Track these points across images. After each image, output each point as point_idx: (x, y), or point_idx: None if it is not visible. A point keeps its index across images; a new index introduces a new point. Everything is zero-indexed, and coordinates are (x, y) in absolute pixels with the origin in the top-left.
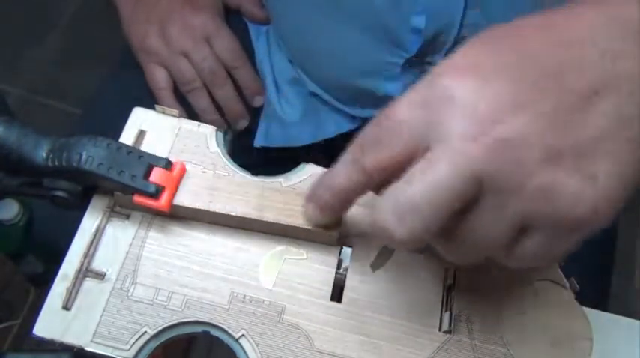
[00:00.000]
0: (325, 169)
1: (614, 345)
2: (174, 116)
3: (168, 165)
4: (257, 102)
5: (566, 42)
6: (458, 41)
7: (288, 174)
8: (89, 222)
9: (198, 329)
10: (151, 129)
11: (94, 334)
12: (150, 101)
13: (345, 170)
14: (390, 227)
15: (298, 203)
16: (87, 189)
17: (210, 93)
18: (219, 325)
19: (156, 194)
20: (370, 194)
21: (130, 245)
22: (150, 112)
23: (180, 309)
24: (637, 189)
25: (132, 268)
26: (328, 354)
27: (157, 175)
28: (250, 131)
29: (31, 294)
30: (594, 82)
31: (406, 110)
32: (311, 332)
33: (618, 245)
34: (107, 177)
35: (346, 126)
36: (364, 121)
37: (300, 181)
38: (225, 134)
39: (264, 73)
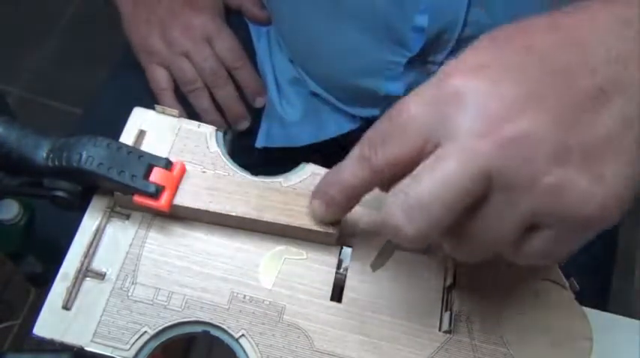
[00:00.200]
0: (326, 169)
1: (614, 345)
2: (174, 116)
3: (168, 165)
4: (258, 103)
5: (575, 42)
6: (461, 40)
7: (288, 174)
8: (89, 222)
9: (198, 329)
10: (151, 129)
11: (94, 334)
12: (150, 101)
13: (353, 166)
14: (398, 224)
15: (298, 203)
16: (87, 189)
17: (211, 94)
18: (219, 325)
19: (156, 194)
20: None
21: (130, 245)
22: (150, 112)
23: (180, 309)
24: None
25: (132, 268)
26: (328, 354)
27: (157, 175)
28: (251, 131)
29: (31, 294)
30: (603, 82)
31: (416, 107)
32: (311, 332)
33: (618, 245)
34: (107, 177)
35: (347, 126)
36: (365, 121)
37: (300, 181)
38: (225, 134)
39: (265, 73)
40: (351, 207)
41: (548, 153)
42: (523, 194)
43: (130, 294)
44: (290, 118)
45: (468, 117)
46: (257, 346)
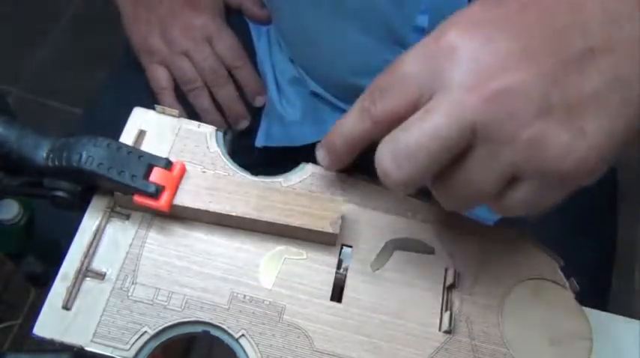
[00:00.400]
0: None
1: (614, 345)
2: (174, 116)
3: (168, 165)
4: (258, 102)
5: (571, 1)
6: None
7: (288, 174)
8: (89, 222)
9: (198, 329)
10: (151, 129)
11: (94, 334)
12: (150, 101)
13: (354, 117)
14: (387, 169)
15: (298, 203)
16: (87, 189)
17: (211, 93)
18: (219, 325)
19: (156, 194)
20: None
21: (130, 245)
22: (150, 112)
23: (180, 309)
24: (637, 189)
25: (132, 268)
26: (328, 354)
27: (156, 175)
28: (251, 131)
29: (31, 294)
30: (595, 43)
31: (412, 61)
32: (311, 332)
33: (618, 245)
34: (107, 177)
35: None
36: None
37: (300, 181)
38: (225, 134)
39: (265, 73)
40: (352, 158)
41: (531, 107)
42: (505, 146)
43: (130, 294)
44: (290, 118)
45: (460, 70)
46: (257, 346)
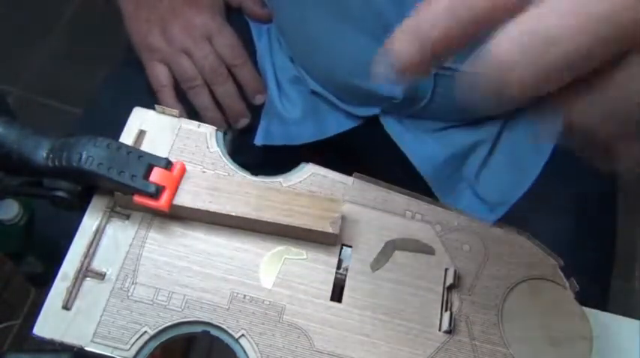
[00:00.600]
0: (326, 169)
1: (614, 345)
2: (174, 116)
3: (168, 165)
4: (258, 100)
5: None
6: None
7: (288, 174)
8: (89, 222)
9: (198, 329)
10: (151, 129)
11: (94, 334)
12: (150, 101)
13: None
14: (510, 60)
15: (298, 203)
16: (87, 189)
17: (211, 92)
18: (219, 325)
19: (156, 194)
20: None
21: (130, 245)
22: (150, 112)
23: (180, 309)
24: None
25: (132, 268)
26: (328, 354)
27: (156, 175)
28: (251, 129)
29: (31, 294)
30: None
31: None
32: (311, 332)
33: (618, 245)
34: (107, 177)
35: (347, 124)
36: (365, 120)
37: (300, 181)
38: (225, 134)
39: (266, 71)
40: (446, 52)
41: None
42: None
43: (130, 294)
44: (290, 116)
45: None
46: (257, 346)
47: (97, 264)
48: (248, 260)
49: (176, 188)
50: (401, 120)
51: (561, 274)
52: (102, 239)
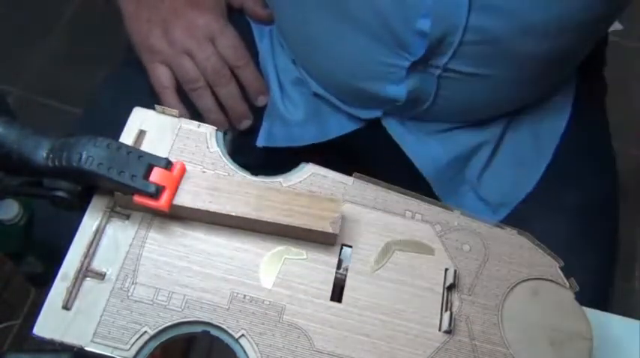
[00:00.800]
0: (327, 169)
1: (614, 345)
2: (174, 116)
3: (168, 165)
4: (261, 101)
5: None
6: (463, 43)
7: (288, 174)
8: (89, 222)
9: (198, 329)
10: (151, 129)
11: (94, 334)
12: (150, 101)
13: None
14: None
15: (298, 203)
16: (87, 189)
17: (213, 93)
18: (219, 325)
19: (156, 194)
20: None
21: (130, 245)
22: (150, 112)
23: (180, 309)
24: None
25: (132, 268)
26: (328, 354)
27: (156, 175)
28: (252, 131)
29: (31, 294)
30: None
31: None
32: (311, 332)
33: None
34: (107, 177)
35: (349, 127)
36: (367, 122)
37: (300, 181)
38: (225, 134)
39: (268, 73)
40: None
41: None
42: None
43: (130, 294)
44: (292, 118)
45: None
46: (257, 346)
47: (97, 264)
48: (248, 260)
49: (176, 188)
50: (403, 122)
51: (561, 274)
52: (102, 239)
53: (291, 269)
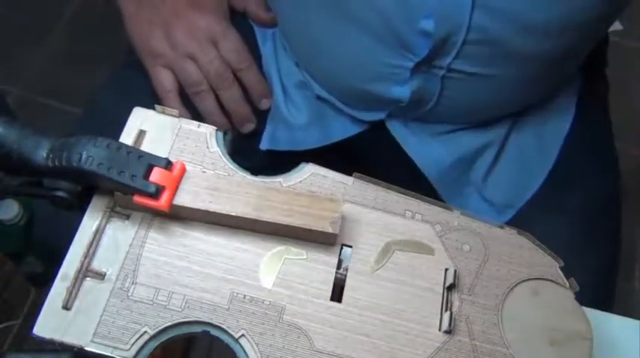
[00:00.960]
0: (327, 169)
1: (614, 345)
2: (174, 116)
3: (168, 165)
4: (264, 104)
5: None
6: (466, 43)
7: (288, 174)
8: (89, 222)
9: (198, 329)
10: (151, 129)
11: (94, 334)
12: (151, 101)
13: None
14: None
15: (298, 203)
16: (87, 189)
17: (216, 96)
18: (219, 325)
19: (156, 194)
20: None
21: (130, 245)
22: (150, 112)
23: (180, 309)
24: (637, 189)
25: (132, 268)
26: (328, 354)
27: (156, 175)
28: (256, 134)
29: (31, 294)
30: None
31: None
32: (311, 332)
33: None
34: (107, 177)
35: (353, 129)
36: (371, 125)
37: (300, 181)
38: (225, 134)
39: (271, 77)
40: None
41: None
42: None
43: (130, 294)
44: (296, 122)
45: None
46: (257, 346)
47: (97, 264)
48: (248, 260)
49: (176, 188)
50: (407, 124)
51: (561, 274)
52: (102, 239)
53: (291, 270)
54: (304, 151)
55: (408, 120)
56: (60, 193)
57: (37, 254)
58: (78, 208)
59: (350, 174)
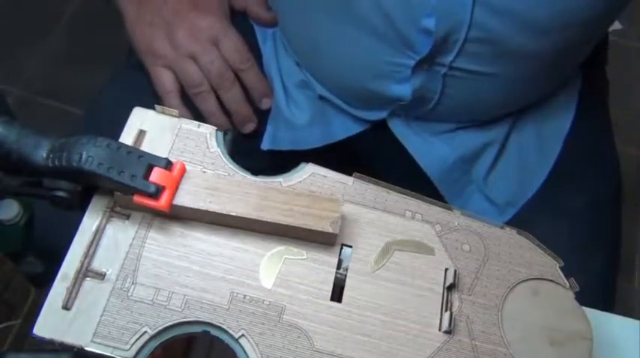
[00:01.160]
0: (327, 169)
1: (614, 345)
2: (174, 116)
3: (168, 165)
4: (265, 104)
5: None
6: (468, 41)
7: (288, 174)
8: (89, 222)
9: (198, 329)
10: (151, 129)
11: (94, 334)
12: (151, 102)
13: None
14: None
15: (298, 203)
16: (87, 189)
17: (217, 97)
18: (219, 325)
19: (156, 194)
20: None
21: (130, 245)
22: (150, 112)
23: (180, 309)
24: (637, 189)
25: (132, 268)
26: (328, 354)
27: (156, 175)
28: (257, 134)
29: (31, 294)
30: None
31: None
32: (311, 332)
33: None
34: (107, 177)
35: (355, 129)
36: (373, 124)
37: (300, 181)
38: (225, 134)
39: (272, 77)
40: None
41: None
42: None
43: (130, 294)
44: (297, 121)
45: None
46: (257, 346)
47: (97, 264)
48: (248, 260)
49: (176, 188)
50: (409, 123)
51: (561, 274)
52: (102, 239)
53: (291, 269)
54: (306, 151)
55: (410, 119)
56: (60, 193)
57: (37, 254)
58: (78, 208)
59: (350, 174)
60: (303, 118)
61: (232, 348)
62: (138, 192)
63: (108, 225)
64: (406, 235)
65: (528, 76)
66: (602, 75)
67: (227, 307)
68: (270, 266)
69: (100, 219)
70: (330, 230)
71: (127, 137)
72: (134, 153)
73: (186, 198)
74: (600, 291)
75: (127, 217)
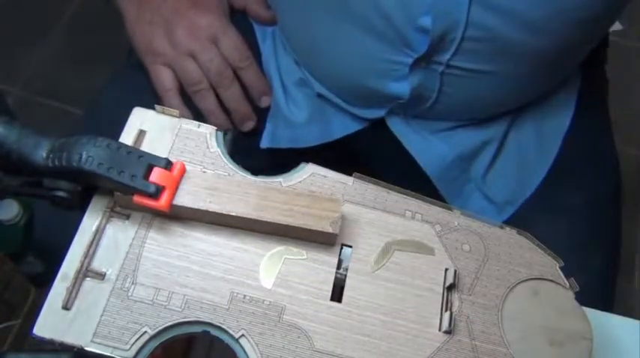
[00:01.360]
0: (327, 169)
1: (614, 345)
2: (174, 116)
3: (168, 165)
4: (264, 102)
5: None
6: (465, 39)
7: (288, 174)
8: (89, 222)
9: (198, 329)
10: (151, 129)
11: (94, 334)
12: (151, 101)
13: None
14: None
15: (298, 203)
16: (87, 189)
17: (216, 95)
18: (219, 325)
19: (156, 194)
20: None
21: (130, 245)
22: (150, 112)
23: (180, 309)
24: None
25: (132, 268)
26: (328, 354)
27: (156, 175)
28: (257, 132)
29: (31, 294)
30: None
31: None
32: (311, 332)
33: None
34: (107, 177)
35: (353, 127)
36: (371, 122)
37: (300, 181)
38: (225, 134)
39: (271, 75)
40: None
41: None
42: None
43: (130, 294)
44: (296, 120)
45: None
46: (257, 346)
47: (97, 264)
48: (248, 260)
49: (176, 188)
50: (407, 121)
51: (561, 274)
52: (102, 239)
53: (291, 269)
54: (305, 149)
55: (409, 118)
56: (60, 193)
57: (37, 254)
58: (78, 208)
59: (350, 174)
60: (302, 116)
61: (232, 348)
62: (138, 192)
63: (108, 225)
64: (406, 235)
65: (526, 75)
66: (601, 74)
67: (227, 307)
68: (270, 266)
69: (100, 219)
70: (330, 230)
71: (127, 137)
72: (134, 153)
73: (186, 198)
74: (600, 291)
75: (127, 217)
